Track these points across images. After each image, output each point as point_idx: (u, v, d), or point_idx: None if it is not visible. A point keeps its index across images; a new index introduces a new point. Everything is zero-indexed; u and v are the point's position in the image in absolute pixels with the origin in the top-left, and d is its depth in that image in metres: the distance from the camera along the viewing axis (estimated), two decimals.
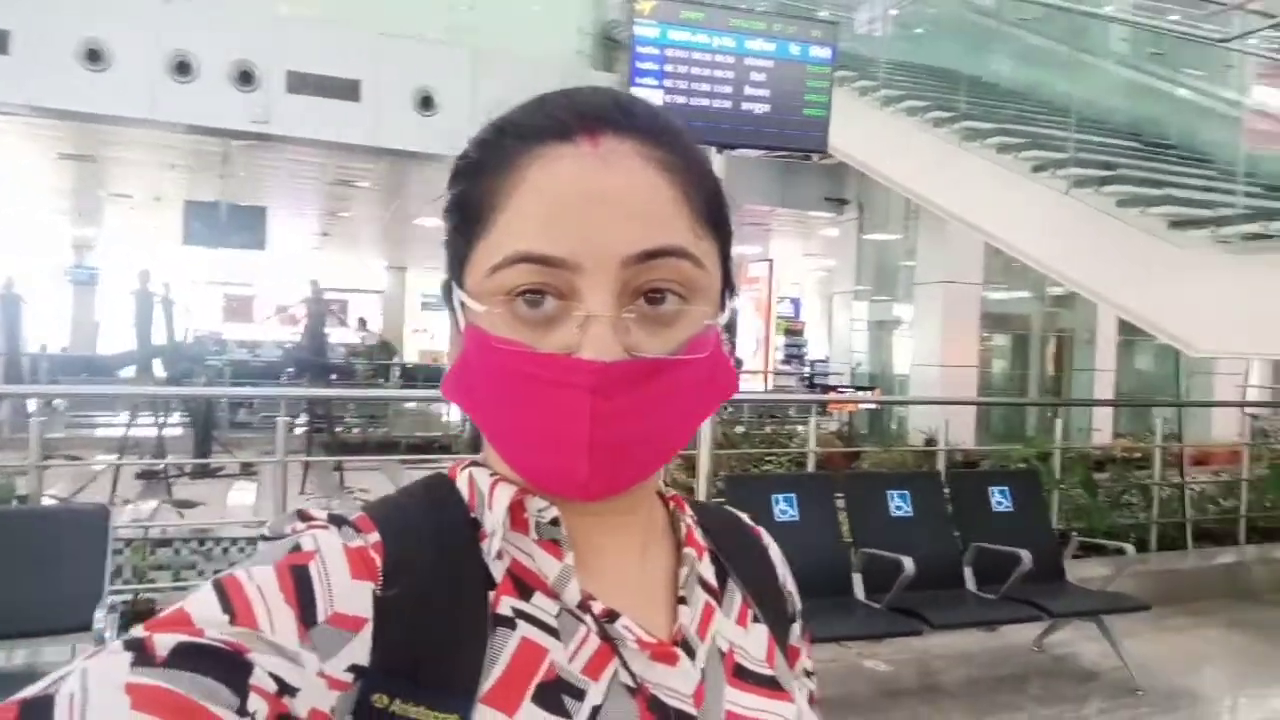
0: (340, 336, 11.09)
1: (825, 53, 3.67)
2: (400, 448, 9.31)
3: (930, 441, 7.20)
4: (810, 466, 5.17)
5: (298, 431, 7.23)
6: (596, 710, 0.49)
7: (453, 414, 11.20)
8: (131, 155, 10.14)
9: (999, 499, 4.33)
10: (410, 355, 18.26)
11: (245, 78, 7.73)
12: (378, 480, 7.18)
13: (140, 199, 12.82)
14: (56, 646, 2.97)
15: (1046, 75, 7.29)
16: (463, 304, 0.53)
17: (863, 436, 9.12)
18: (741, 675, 0.57)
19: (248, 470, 7.35)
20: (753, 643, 0.59)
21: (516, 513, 0.53)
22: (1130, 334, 10.45)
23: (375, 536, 0.49)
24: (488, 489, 0.53)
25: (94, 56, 7.18)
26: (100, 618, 2.72)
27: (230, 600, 0.44)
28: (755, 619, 0.61)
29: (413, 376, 13.68)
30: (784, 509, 3.90)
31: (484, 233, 0.51)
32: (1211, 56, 6.62)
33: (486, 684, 0.47)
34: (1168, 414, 6.62)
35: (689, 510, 0.62)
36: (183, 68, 7.51)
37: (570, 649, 0.50)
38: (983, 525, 4.22)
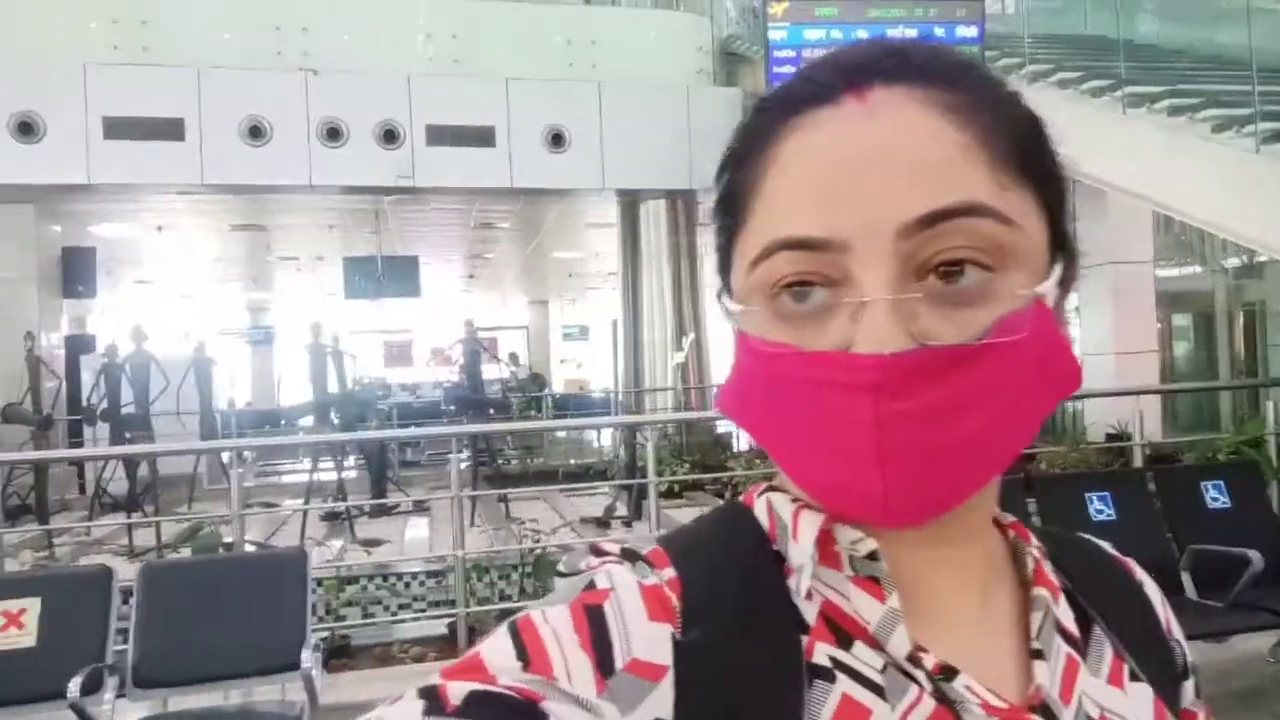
0: (493, 372, 11.52)
1: (972, 31, 3.48)
2: (558, 476, 9.52)
3: (1116, 437, 6.66)
4: None
5: (463, 466, 7.52)
6: None
7: (603, 439, 11.37)
8: (294, 220, 10.95)
9: (1214, 495, 3.92)
10: (557, 385, 18.74)
11: (390, 136, 8.19)
12: (540, 509, 7.34)
13: (305, 260, 13.83)
14: (267, 686, 3.15)
15: (1215, 26, 6.66)
16: (729, 310, 0.46)
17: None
18: None
19: (420, 507, 7.68)
20: (1133, 707, 0.48)
21: (825, 544, 0.45)
22: None
23: (671, 572, 0.44)
24: (790, 517, 0.46)
25: (256, 133, 7.80)
26: (307, 657, 2.85)
27: (525, 645, 0.40)
28: (1133, 677, 0.49)
29: (564, 406, 14.01)
30: None
31: (743, 225, 0.45)
32: None
33: None
34: None
35: (1034, 540, 0.51)
36: (333, 134, 8.04)
37: (899, 711, 0.42)
38: (1199, 525, 3.82)
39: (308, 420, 9.13)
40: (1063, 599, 0.49)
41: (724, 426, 9.26)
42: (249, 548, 4.56)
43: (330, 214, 10.58)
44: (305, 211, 10.42)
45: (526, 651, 0.40)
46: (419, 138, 8.30)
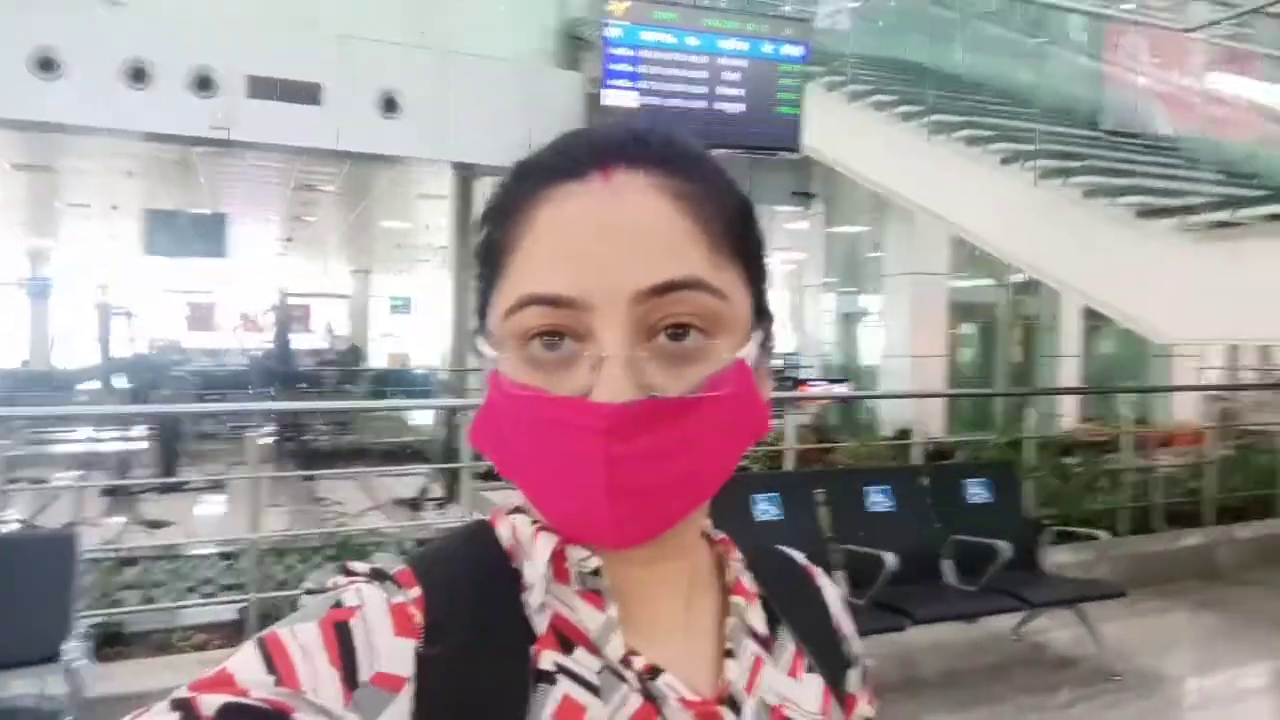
0: (307, 342, 10.92)
1: (798, 51, 3.67)
2: (372, 455, 9.19)
3: (903, 434, 7.25)
4: (789, 464, 5.18)
5: (265, 441, 7.12)
6: None
7: (423, 417, 11.09)
8: (87, 164, 9.91)
9: (976, 490, 4.37)
10: (379, 359, 18.05)
11: (204, 83, 7.57)
12: (350, 489, 7.09)
13: (97, 208, 12.55)
14: (23, 680, 2.88)
15: (1010, 67, 7.36)
16: (483, 352, 0.52)
17: (834, 428, 9.17)
18: None
19: (215, 484, 7.21)
20: (805, 694, 0.57)
21: (558, 563, 0.51)
22: (1095, 320, 10.61)
23: (417, 591, 0.48)
24: (530, 538, 0.52)
25: (46, 65, 6.99)
26: (70, 648, 2.63)
27: (274, 660, 0.43)
28: (809, 669, 0.58)
29: (383, 381, 13.52)
30: (765, 508, 3.90)
31: (500, 277, 0.50)
32: (1167, 42, 6.73)
33: None
34: (1133, 397, 6.71)
35: (737, 554, 0.59)
36: (138, 74, 7.34)
37: (610, 707, 0.48)
38: (961, 518, 4.25)
39: (93, 384, 8.34)
40: (757, 604, 0.57)
41: None
42: (11, 526, 4.12)
43: (130, 160, 9.65)
44: (100, 155, 9.45)
45: (275, 666, 0.43)
46: (238, 88, 7.72)
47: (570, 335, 0.47)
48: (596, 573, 0.50)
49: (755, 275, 0.52)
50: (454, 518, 5.58)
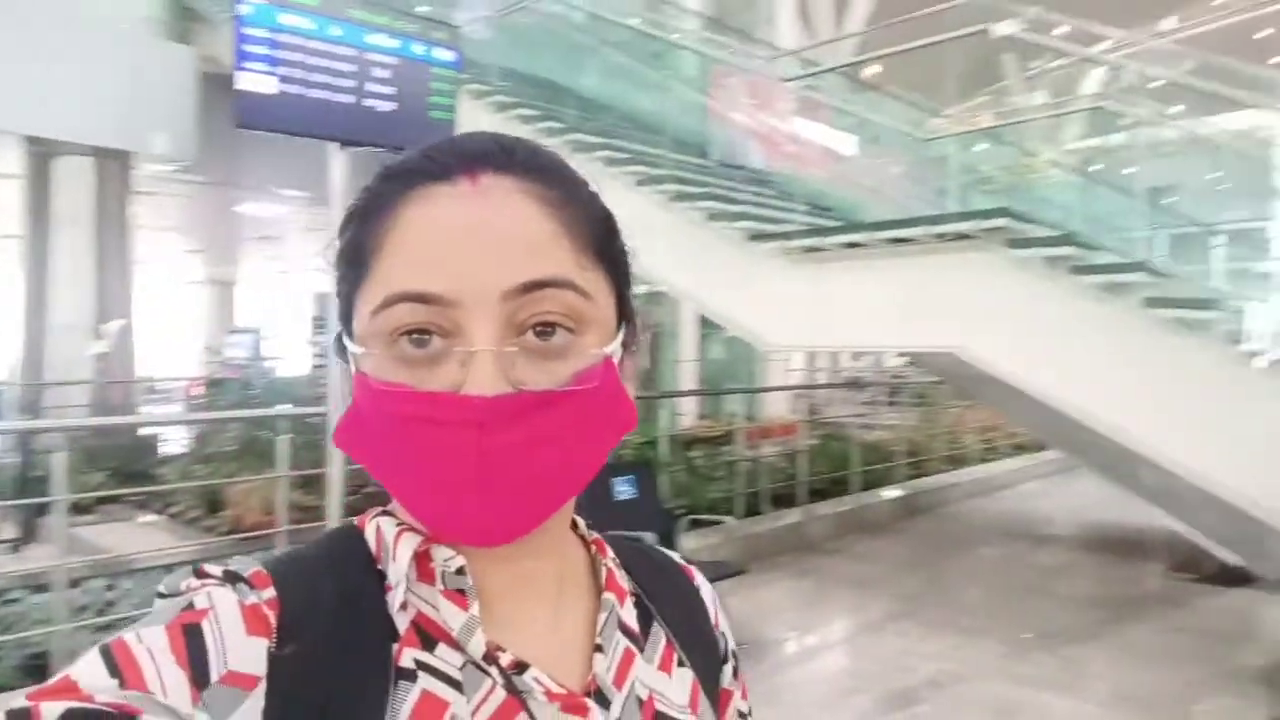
0: None
1: (450, 55, 3.61)
2: None
3: None
4: None
5: None
6: None
7: None
8: None
9: (623, 488, 4.67)
10: None
11: None
12: None
13: None
14: None
15: (637, 96, 7.97)
16: (351, 352, 0.52)
17: None
18: None
19: None
20: (675, 688, 0.58)
21: (423, 563, 0.52)
22: (708, 328, 11.91)
23: (271, 592, 0.48)
24: (393, 539, 0.52)
25: None
26: None
27: (118, 664, 0.43)
28: (680, 663, 0.60)
29: None
30: None
31: (365, 277, 0.50)
32: (761, 88, 7.77)
33: None
34: (740, 396, 7.62)
35: (611, 553, 0.61)
36: None
37: (474, 702, 0.49)
38: (612, 514, 4.51)
39: None
40: (629, 601, 0.59)
41: (148, 430, 8.15)
42: None
43: None
44: None
45: (120, 670, 0.42)
46: None
47: (438, 333, 0.48)
48: (461, 571, 0.51)
49: (619, 280, 0.55)
50: (35, 559, 4.67)
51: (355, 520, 0.56)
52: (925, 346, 5.62)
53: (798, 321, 5.51)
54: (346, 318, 0.53)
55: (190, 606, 0.46)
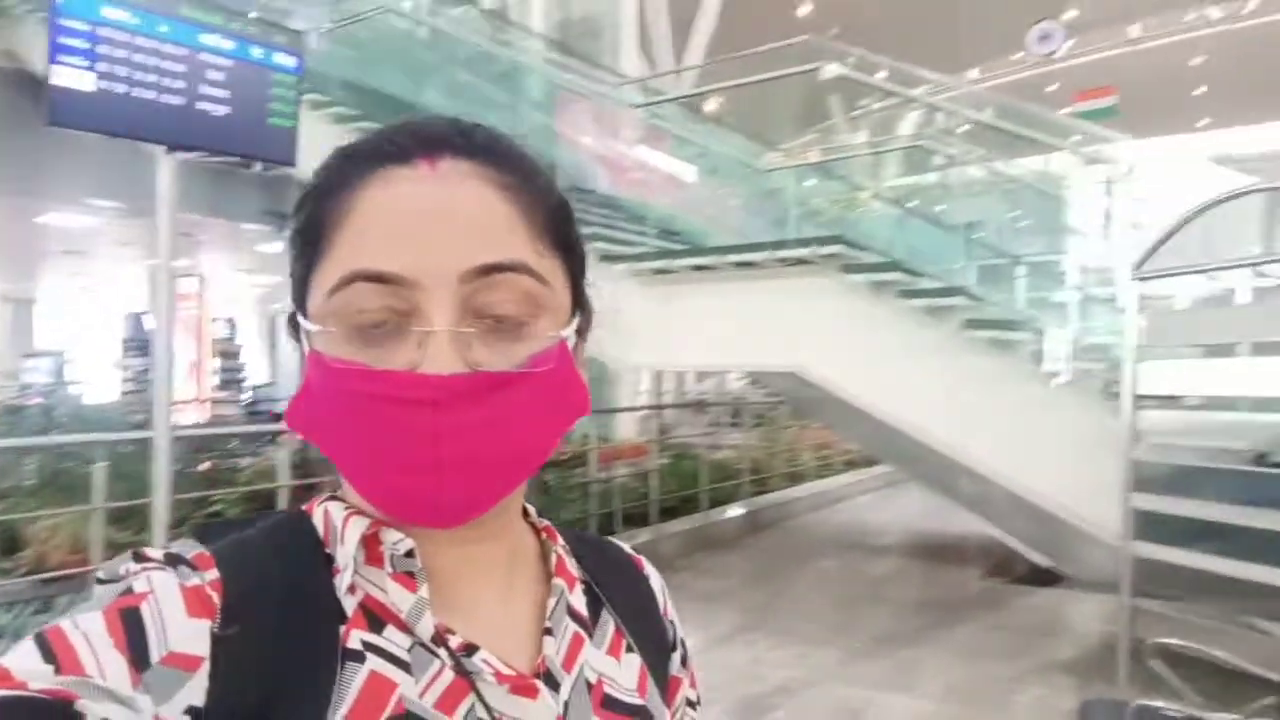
0: None
1: (291, 61, 3.45)
2: None
3: None
4: (283, 503, 4.79)
5: None
6: None
7: None
8: None
9: None
10: None
11: None
12: None
13: None
14: None
15: (486, 116, 7.91)
16: (305, 330, 0.51)
17: (323, 463, 8.76)
18: (610, 706, 0.56)
19: None
20: (624, 673, 0.59)
21: (372, 546, 0.52)
22: None
23: (214, 574, 0.48)
24: (341, 522, 0.52)
25: None
26: None
27: (53, 650, 0.42)
28: (629, 649, 0.61)
29: None
30: None
31: (322, 256, 0.51)
32: (607, 115, 7.91)
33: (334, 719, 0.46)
34: (591, 417, 7.62)
35: (561, 540, 0.61)
36: None
37: (423, 683, 0.49)
38: None
39: None
40: (579, 588, 0.60)
41: None
42: None
43: None
44: None
45: (56, 656, 0.42)
46: None
47: (396, 313, 0.48)
48: (410, 554, 0.51)
49: (574, 267, 0.55)
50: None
51: (303, 506, 0.56)
52: (769, 365, 5.87)
53: (650, 342, 5.61)
54: (300, 297, 0.53)
55: (129, 591, 0.46)
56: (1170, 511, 3.91)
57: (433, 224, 0.48)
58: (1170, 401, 4.23)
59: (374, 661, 0.49)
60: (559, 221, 0.54)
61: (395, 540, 0.51)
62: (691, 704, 0.67)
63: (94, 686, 0.41)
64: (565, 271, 0.54)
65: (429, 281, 0.48)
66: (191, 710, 0.43)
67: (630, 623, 0.62)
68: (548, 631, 0.55)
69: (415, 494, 0.48)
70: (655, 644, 0.63)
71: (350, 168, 0.51)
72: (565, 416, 0.53)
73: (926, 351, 4.70)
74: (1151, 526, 3.88)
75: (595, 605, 0.60)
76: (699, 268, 5.43)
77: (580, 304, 0.56)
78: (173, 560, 0.49)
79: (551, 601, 0.57)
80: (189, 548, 0.50)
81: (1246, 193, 4.55)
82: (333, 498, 0.55)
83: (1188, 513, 3.85)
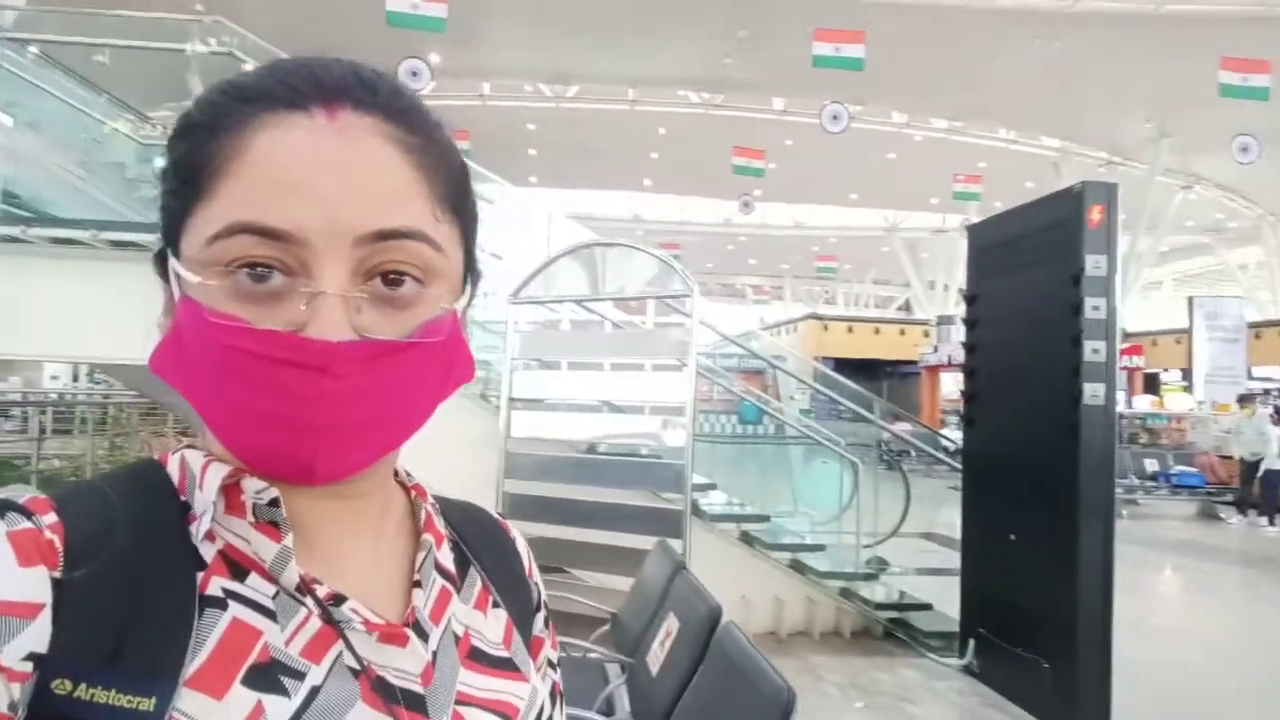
0: None
1: None
2: None
3: None
4: None
5: None
6: (315, 690, 0.48)
7: None
8: None
9: None
10: None
11: None
12: None
13: None
14: None
15: None
16: (177, 274, 0.48)
17: None
18: (476, 657, 0.57)
19: None
20: (490, 627, 0.60)
21: (232, 495, 0.50)
22: None
23: (53, 518, 0.45)
24: (199, 469, 0.50)
25: None
26: None
27: None
28: (495, 605, 0.61)
29: None
30: None
31: (204, 198, 0.47)
32: None
33: (192, 667, 0.45)
34: None
35: (430, 499, 0.61)
36: None
37: (288, 631, 0.49)
38: None
39: None
40: (446, 546, 0.59)
41: None
42: None
43: None
44: None
45: None
46: None
47: (280, 269, 0.46)
48: (274, 503, 0.49)
49: (469, 233, 0.54)
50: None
51: (155, 456, 0.53)
52: (109, 358, 5.28)
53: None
54: (172, 236, 0.49)
55: None
56: (529, 493, 4.79)
57: (329, 180, 0.46)
58: (534, 404, 5.17)
59: (236, 609, 0.48)
60: (457, 185, 0.52)
61: (258, 489, 0.49)
62: (551, 664, 0.67)
63: None
64: (460, 238, 0.53)
65: (320, 242, 0.46)
66: (33, 657, 0.42)
67: (497, 581, 0.62)
68: (417, 584, 0.55)
69: (287, 453, 0.47)
70: (520, 603, 0.64)
71: (238, 107, 0.48)
72: (449, 385, 0.53)
73: None
74: (519, 505, 4.71)
75: (463, 563, 0.61)
76: (59, 241, 4.65)
77: (472, 271, 0.55)
78: (3, 506, 0.45)
79: (420, 555, 0.56)
80: (20, 492, 0.46)
81: (594, 245, 5.88)
82: (189, 447, 0.52)
83: (542, 492, 4.79)
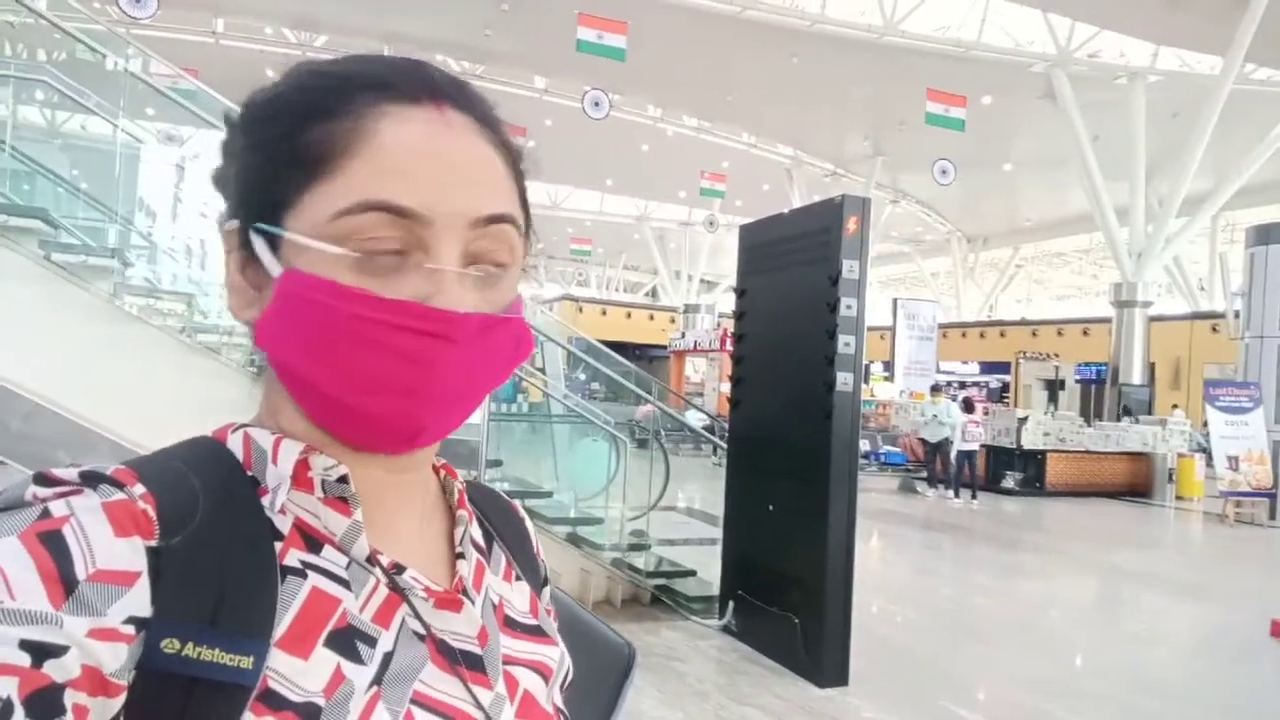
0: None
1: None
2: None
3: None
4: None
5: None
6: (389, 656, 0.51)
7: None
8: None
9: None
10: None
11: None
12: None
13: None
14: None
15: None
16: (275, 245, 0.51)
17: None
18: (510, 625, 0.62)
19: None
20: (518, 597, 0.64)
21: (300, 472, 0.52)
22: None
23: (142, 488, 0.47)
24: (270, 446, 0.53)
25: None
26: None
27: None
28: (518, 577, 0.66)
29: None
30: None
31: (325, 177, 0.50)
32: None
33: (279, 630, 0.48)
34: None
35: (460, 478, 0.64)
36: None
37: (361, 599, 0.52)
38: None
39: None
40: (475, 521, 0.64)
41: None
42: None
43: None
44: None
45: None
46: None
47: (403, 246, 0.50)
48: (343, 480, 0.52)
49: (527, 226, 0.59)
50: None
51: (211, 434, 0.54)
52: None
53: None
54: (267, 210, 0.51)
55: (47, 515, 0.44)
56: None
57: (449, 168, 0.51)
58: None
59: (315, 579, 0.51)
60: (523, 183, 0.58)
61: (328, 466, 0.52)
62: None
63: (6, 610, 0.40)
64: (523, 227, 0.58)
65: (441, 221, 0.50)
66: (134, 620, 0.43)
67: (515, 556, 0.68)
68: (460, 556, 0.60)
69: (401, 416, 0.50)
70: (533, 578, 0.68)
71: (359, 95, 0.52)
72: (518, 359, 0.57)
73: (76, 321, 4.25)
74: None
75: (488, 538, 0.66)
76: None
77: (526, 257, 0.60)
78: (90, 479, 0.46)
79: (459, 530, 0.61)
80: (104, 466, 0.48)
81: None
82: (243, 427, 0.54)
83: None
